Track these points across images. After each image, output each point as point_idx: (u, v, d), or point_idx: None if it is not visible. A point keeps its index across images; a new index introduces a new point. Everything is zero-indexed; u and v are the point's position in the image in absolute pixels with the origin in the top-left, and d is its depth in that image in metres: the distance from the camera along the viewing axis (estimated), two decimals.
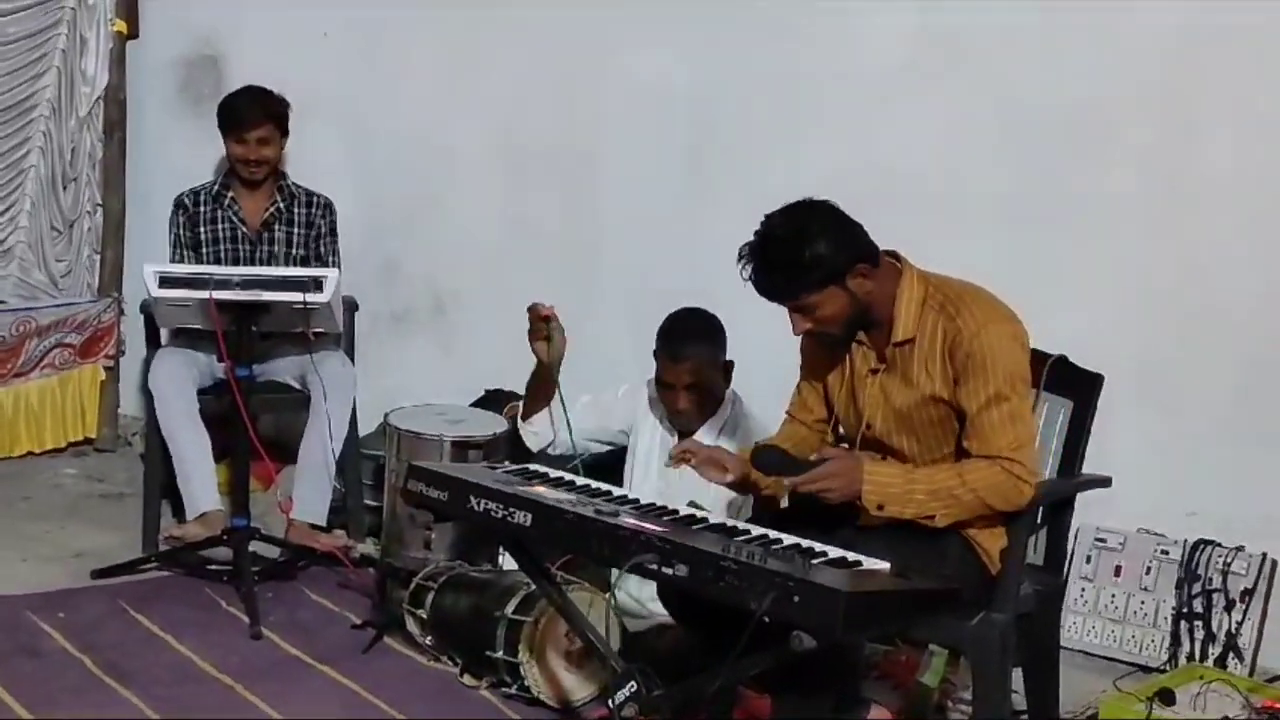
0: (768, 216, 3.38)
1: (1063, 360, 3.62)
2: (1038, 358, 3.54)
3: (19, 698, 3.84)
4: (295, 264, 5.18)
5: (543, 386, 4.47)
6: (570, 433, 4.43)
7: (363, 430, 5.24)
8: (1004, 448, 3.31)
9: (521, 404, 4.61)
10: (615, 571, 3.18)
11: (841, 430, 3.65)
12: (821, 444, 3.66)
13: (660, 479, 4.43)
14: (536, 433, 4.56)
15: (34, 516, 5.34)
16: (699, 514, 3.33)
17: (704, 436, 4.33)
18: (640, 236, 5.28)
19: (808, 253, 3.31)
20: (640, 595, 4.26)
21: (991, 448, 3.32)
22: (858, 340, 3.53)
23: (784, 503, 3.63)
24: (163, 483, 5.06)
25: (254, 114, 5.12)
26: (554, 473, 3.56)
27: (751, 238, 3.37)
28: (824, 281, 3.34)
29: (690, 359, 4.33)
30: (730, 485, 3.66)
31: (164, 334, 5.17)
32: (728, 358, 4.43)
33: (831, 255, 3.32)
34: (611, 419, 4.61)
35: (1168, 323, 4.47)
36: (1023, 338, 3.41)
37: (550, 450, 4.58)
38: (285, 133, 5.22)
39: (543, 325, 4.37)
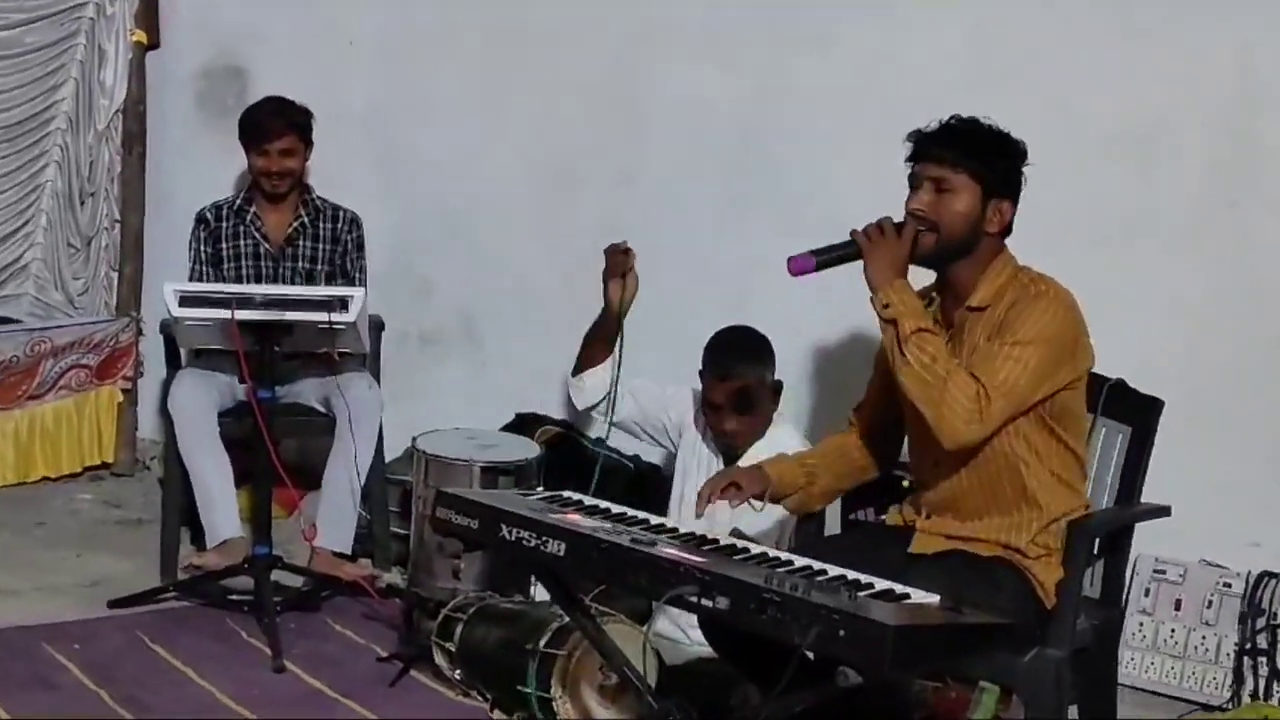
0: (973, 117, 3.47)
1: (1121, 384, 3.62)
2: (1095, 381, 3.54)
3: None
4: (320, 281, 5.20)
5: (603, 338, 4.48)
6: (615, 391, 4.47)
7: (389, 455, 5.26)
8: (989, 379, 3.29)
9: (577, 357, 4.62)
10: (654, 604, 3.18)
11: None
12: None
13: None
14: (586, 388, 4.59)
15: (49, 544, 5.37)
16: (740, 543, 3.33)
17: (750, 460, 4.33)
18: (679, 258, 5.25)
19: (1000, 147, 3.42)
20: (681, 622, 4.25)
21: (980, 372, 3.31)
22: (931, 297, 3.54)
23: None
24: (182, 509, 5.08)
25: (276, 124, 5.14)
26: (589, 500, 3.56)
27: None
28: (984, 176, 3.39)
29: (738, 377, 4.35)
30: (755, 498, 3.64)
31: (184, 354, 5.20)
32: (777, 378, 4.45)
33: (1007, 169, 3.43)
34: (660, 410, 4.66)
35: (1230, 347, 4.45)
36: (1074, 328, 3.40)
37: (597, 413, 4.60)
38: (309, 144, 5.24)
39: (623, 259, 4.38)
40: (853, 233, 3.43)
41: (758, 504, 3.62)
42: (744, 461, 4.31)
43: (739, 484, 3.61)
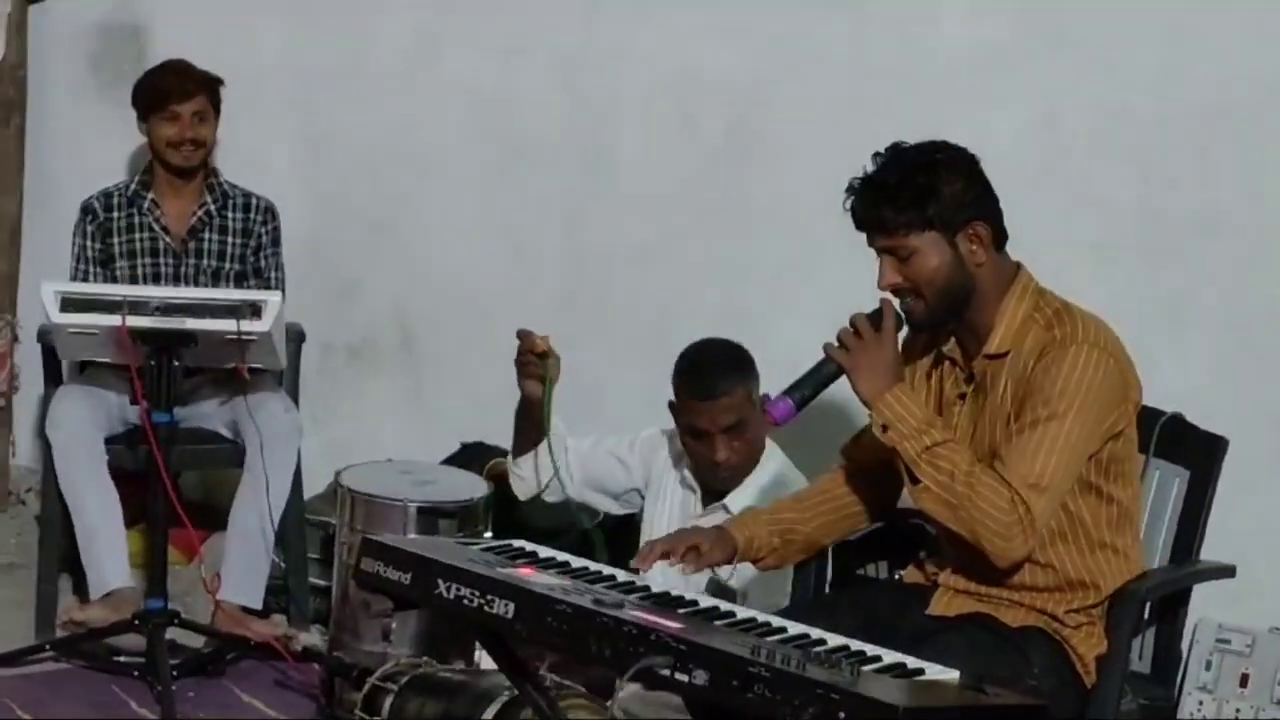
0: (896, 143, 3.49)
1: (1177, 419, 3.63)
2: (1147, 415, 3.54)
3: None
4: (228, 282, 5.22)
5: (534, 422, 4.48)
6: (562, 478, 4.48)
7: (308, 491, 5.27)
8: (1023, 478, 3.30)
9: (513, 439, 4.61)
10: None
11: None
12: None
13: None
14: (523, 478, 4.59)
15: None
16: (725, 606, 3.32)
17: (741, 498, 4.34)
18: (659, 254, 5.32)
19: (929, 181, 3.40)
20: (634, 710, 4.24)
21: (1010, 472, 3.32)
22: (947, 356, 3.57)
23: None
24: (62, 552, 5.08)
25: (185, 85, 5.17)
26: (545, 551, 3.56)
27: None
28: (934, 221, 3.40)
29: (724, 395, 4.33)
30: (716, 563, 3.66)
31: (66, 368, 5.19)
32: (764, 393, 4.45)
33: (953, 196, 3.41)
34: (619, 471, 4.64)
35: None
36: (1118, 374, 3.41)
37: (546, 497, 4.59)
38: (218, 112, 5.25)
39: (536, 362, 4.37)
40: (826, 348, 3.47)
41: (723, 571, 3.61)
42: (742, 498, 4.34)
43: (699, 548, 3.61)
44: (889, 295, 3.48)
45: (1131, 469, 3.52)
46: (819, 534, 3.79)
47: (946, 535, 3.47)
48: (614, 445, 4.67)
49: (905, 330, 3.56)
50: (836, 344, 3.46)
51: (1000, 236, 3.49)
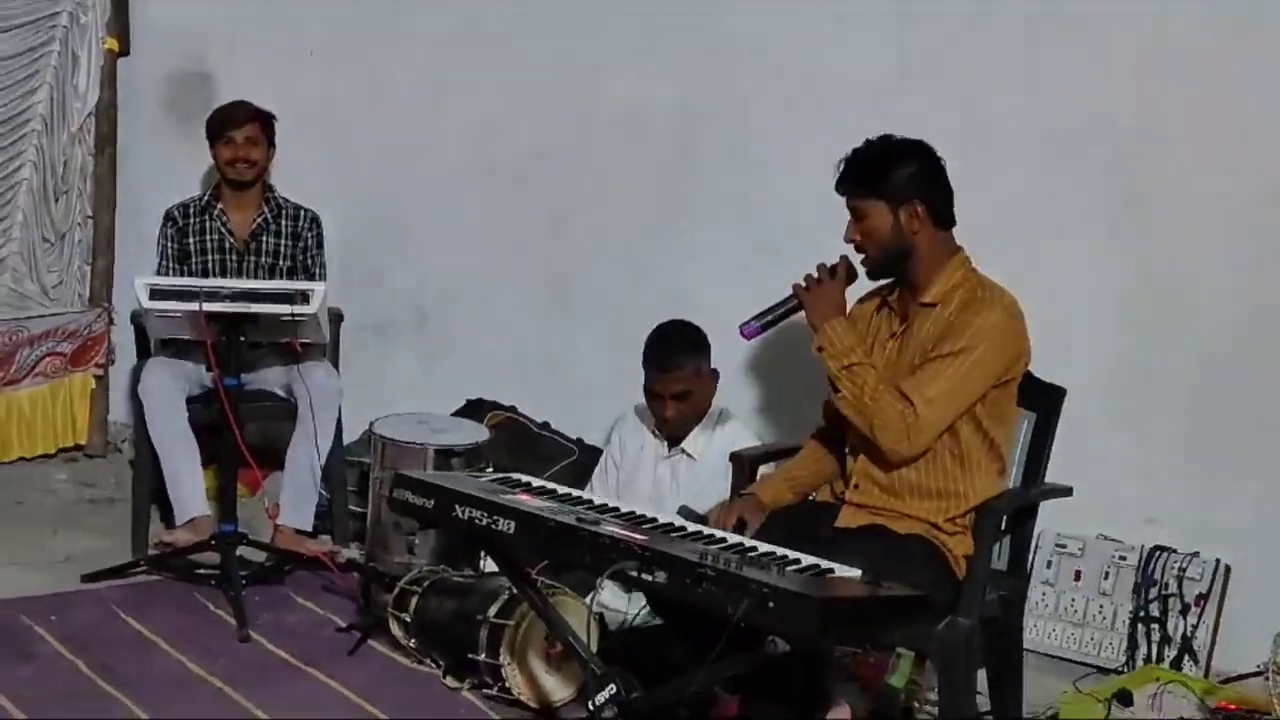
0: (886, 135, 3.59)
1: (1027, 374, 3.65)
2: None
3: (15, 701, 3.82)
4: (282, 276, 5.17)
5: None
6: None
7: (347, 438, 5.24)
8: (920, 394, 3.39)
9: None
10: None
11: None
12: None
13: (653, 486, 4.48)
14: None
15: (26, 521, 5.32)
16: (680, 521, 3.34)
17: (692, 443, 4.39)
18: (621, 253, 5.30)
19: (885, 163, 3.51)
20: (614, 604, 4.26)
21: (912, 389, 3.41)
22: (890, 304, 3.65)
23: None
24: (152, 489, 5.04)
25: (241, 114, 5.15)
26: (536, 481, 3.58)
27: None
28: (883, 193, 3.50)
29: (677, 368, 4.38)
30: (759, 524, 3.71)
31: (154, 343, 5.14)
32: (713, 367, 4.48)
33: (902, 178, 3.51)
34: (615, 473, 4.70)
35: (1132, 340, 4.48)
36: (1016, 337, 3.49)
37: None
38: (272, 143, 5.22)
39: None
40: (794, 286, 3.61)
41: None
42: (688, 447, 4.42)
43: (744, 519, 3.66)
44: (850, 251, 3.59)
45: (1009, 414, 3.58)
46: (818, 479, 3.85)
47: (858, 438, 3.54)
48: (603, 465, 4.71)
49: (865, 281, 3.67)
50: (803, 282, 3.60)
51: (941, 218, 3.56)
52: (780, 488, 3.79)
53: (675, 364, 4.38)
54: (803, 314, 3.62)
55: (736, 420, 4.61)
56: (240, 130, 5.12)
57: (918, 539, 3.44)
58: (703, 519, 3.64)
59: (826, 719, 3.61)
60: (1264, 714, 3.64)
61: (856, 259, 3.62)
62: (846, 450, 3.71)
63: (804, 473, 3.83)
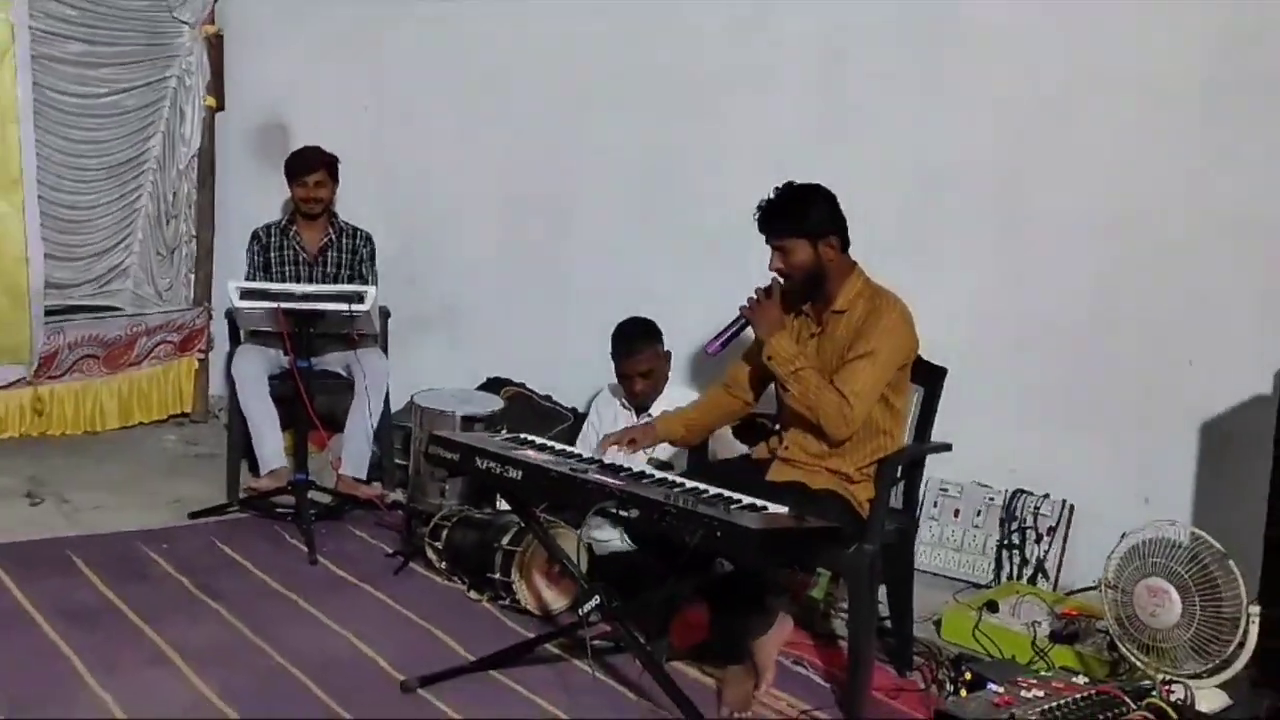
0: (789, 181, 3.48)
1: (918, 358, 3.66)
2: None
3: (136, 610, 3.84)
4: (343, 282, 5.14)
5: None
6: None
7: (394, 407, 5.21)
8: (850, 389, 3.36)
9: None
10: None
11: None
12: (743, 407, 3.77)
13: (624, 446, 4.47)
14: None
15: (145, 471, 5.31)
16: (650, 470, 3.35)
17: (658, 408, 4.38)
18: (604, 263, 5.29)
19: (802, 208, 3.42)
20: (600, 535, 4.26)
21: (844, 385, 3.37)
22: (804, 311, 3.56)
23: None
24: (242, 446, 5.03)
25: (311, 162, 5.11)
26: (540, 440, 3.57)
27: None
28: (803, 233, 3.42)
29: (641, 353, 4.37)
30: (645, 447, 3.75)
31: (243, 333, 5.10)
32: (666, 349, 4.47)
33: (816, 219, 3.43)
34: (600, 428, 4.64)
35: (999, 329, 4.48)
36: (910, 333, 3.48)
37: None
38: (336, 180, 5.18)
39: None
40: (740, 308, 3.53)
41: (656, 451, 3.64)
42: (654, 410, 4.37)
43: (635, 439, 3.68)
44: (775, 275, 3.51)
45: (905, 389, 3.57)
46: (711, 425, 3.83)
47: (804, 424, 3.48)
48: (585, 432, 4.64)
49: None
50: (746, 304, 3.52)
51: (845, 244, 3.50)
52: (674, 423, 3.79)
53: (638, 349, 4.36)
54: (750, 330, 3.57)
55: (680, 382, 4.60)
56: (311, 175, 5.09)
57: (828, 492, 3.43)
58: (666, 465, 3.64)
59: (773, 632, 3.58)
60: (1098, 618, 3.66)
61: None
62: (776, 424, 3.68)
63: (696, 415, 3.80)
